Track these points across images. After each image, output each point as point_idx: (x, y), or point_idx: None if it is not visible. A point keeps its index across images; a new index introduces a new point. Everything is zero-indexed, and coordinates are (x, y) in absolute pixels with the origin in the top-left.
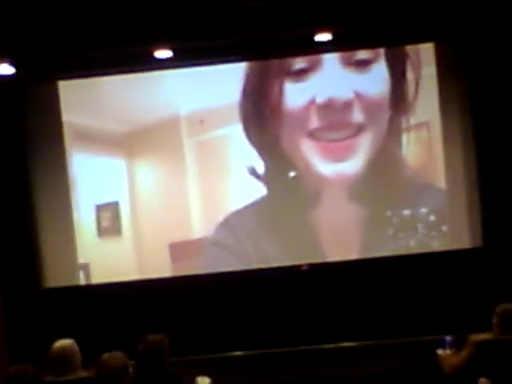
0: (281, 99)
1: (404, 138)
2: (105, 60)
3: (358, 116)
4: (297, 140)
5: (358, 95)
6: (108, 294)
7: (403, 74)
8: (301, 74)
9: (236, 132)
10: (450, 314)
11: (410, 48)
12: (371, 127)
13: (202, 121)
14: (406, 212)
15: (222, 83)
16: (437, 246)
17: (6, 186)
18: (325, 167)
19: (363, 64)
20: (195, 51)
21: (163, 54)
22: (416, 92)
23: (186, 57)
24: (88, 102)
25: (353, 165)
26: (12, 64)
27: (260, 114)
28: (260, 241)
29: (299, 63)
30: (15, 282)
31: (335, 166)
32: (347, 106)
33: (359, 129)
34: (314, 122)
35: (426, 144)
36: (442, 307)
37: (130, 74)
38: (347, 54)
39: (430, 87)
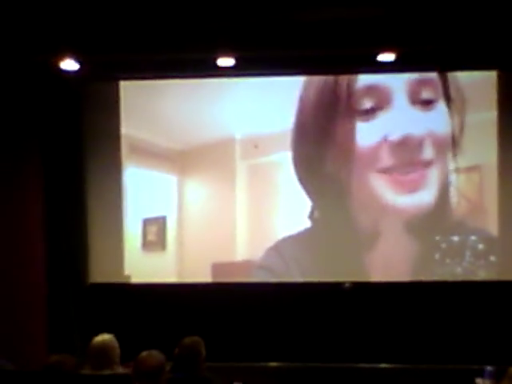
0: (351, 138)
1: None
2: (167, 63)
3: (428, 153)
4: (365, 175)
5: (429, 133)
6: (150, 295)
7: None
8: (369, 112)
9: (289, 159)
10: (492, 345)
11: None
12: (438, 163)
13: (256, 145)
14: (455, 238)
15: (280, 110)
16: (483, 275)
17: (62, 182)
18: (396, 199)
19: (428, 103)
20: (257, 61)
21: (226, 61)
22: (460, 133)
23: (248, 66)
24: (147, 109)
25: (421, 197)
26: (77, 60)
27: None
28: (308, 268)
29: (368, 102)
30: (62, 278)
31: (406, 198)
32: (421, 143)
33: (428, 164)
34: (386, 160)
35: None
36: (484, 337)
37: (191, 83)
38: (414, 92)
39: (488, 130)
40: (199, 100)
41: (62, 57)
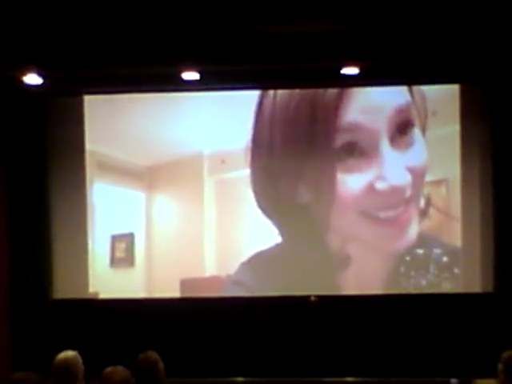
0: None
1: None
2: (132, 77)
3: (410, 190)
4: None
5: (412, 173)
6: (115, 311)
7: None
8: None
9: None
10: (457, 357)
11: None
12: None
13: (223, 160)
14: (419, 251)
15: (247, 125)
16: (448, 287)
17: (26, 197)
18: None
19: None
20: (221, 75)
21: (190, 75)
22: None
23: (212, 80)
24: (112, 123)
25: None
26: (40, 74)
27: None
28: (280, 283)
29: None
30: (25, 294)
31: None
32: (406, 188)
33: (409, 200)
34: (369, 204)
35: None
36: (448, 349)
37: (157, 99)
38: (394, 134)
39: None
40: (166, 115)
41: (25, 71)
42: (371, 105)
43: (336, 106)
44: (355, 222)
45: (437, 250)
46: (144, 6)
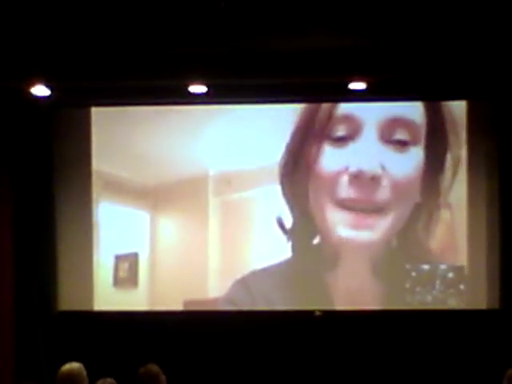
0: (317, 161)
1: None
2: (139, 90)
3: (383, 194)
4: (323, 204)
5: (386, 173)
6: (120, 324)
7: (442, 159)
8: (340, 140)
9: (262, 195)
10: (461, 374)
11: (450, 129)
12: (395, 208)
13: (229, 181)
14: (425, 267)
15: (253, 146)
16: (453, 303)
17: (32, 210)
18: (347, 233)
19: (401, 144)
20: (229, 89)
21: (198, 88)
22: (453, 177)
23: (220, 94)
24: (119, 137)
25: (373, 235)
26: (47, 85)
27: (297, 171)
28: (275, 304)
29: (341, 130)
30: (30, 306)
31: (357, 233)
32: (375, 181)
33: (382, 207)
34: (343, 191)
35: (449, 225)
36: (452, 365)
37: (164, 115)
38: (387, 130)
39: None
40: (172, 134)
41: (33, 82)
42: None
43: None
44: (332, 213)
45: (442, 266)
46: (151, 19)
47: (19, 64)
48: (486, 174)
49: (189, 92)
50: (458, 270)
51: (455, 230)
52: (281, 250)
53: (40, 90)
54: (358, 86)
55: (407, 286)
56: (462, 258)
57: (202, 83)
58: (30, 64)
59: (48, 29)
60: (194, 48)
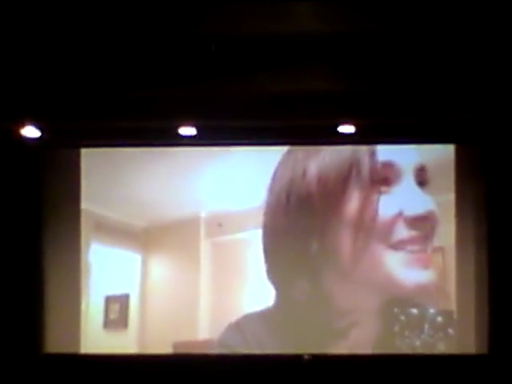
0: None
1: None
2: (129, 131)
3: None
4: (376, 250)
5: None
6: (107, 367)
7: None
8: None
9: (253, 237)
10: None
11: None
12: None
13: (220, 224)
14: (414, 310)
15: (244, 188)
16: (442, 348)
17: (19, 252)
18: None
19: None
20: (218, 131)
21: (187, 131)
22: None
23: (210, 136)
24: (109, 178)
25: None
26: (37, 127)
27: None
28: (269, 347)
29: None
30: (15, 347)
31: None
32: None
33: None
34: (398, 234)
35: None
36: None
37: (155, 158)
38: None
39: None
40: (163, 175)
41: (22, 124)
42: None
43: None
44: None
45: (431, 310)
46: (141, 61)
47: (9, 105)
48: (474, 220)
49: (178, 134)
50: (446, 314)
51: (447, 274)
52: (271, 294)
53: (30, 131)
54: (346, 129)
55: (396, 329)
56: (451, 303)
57: (192, 125)
58: (20, 105)
59: (38, 71)
60: (184, 90)
